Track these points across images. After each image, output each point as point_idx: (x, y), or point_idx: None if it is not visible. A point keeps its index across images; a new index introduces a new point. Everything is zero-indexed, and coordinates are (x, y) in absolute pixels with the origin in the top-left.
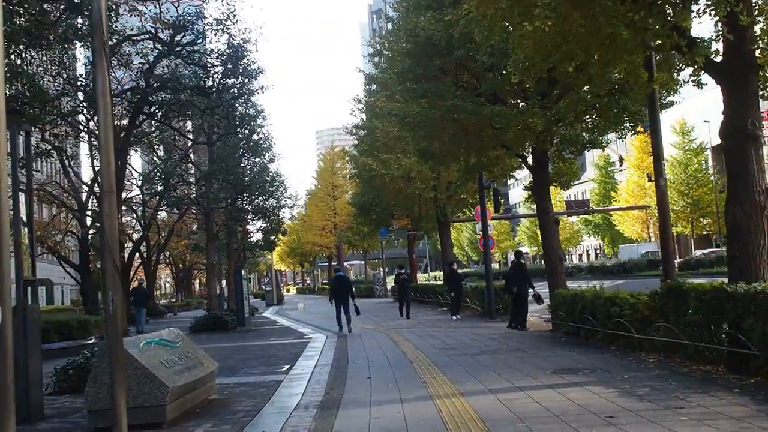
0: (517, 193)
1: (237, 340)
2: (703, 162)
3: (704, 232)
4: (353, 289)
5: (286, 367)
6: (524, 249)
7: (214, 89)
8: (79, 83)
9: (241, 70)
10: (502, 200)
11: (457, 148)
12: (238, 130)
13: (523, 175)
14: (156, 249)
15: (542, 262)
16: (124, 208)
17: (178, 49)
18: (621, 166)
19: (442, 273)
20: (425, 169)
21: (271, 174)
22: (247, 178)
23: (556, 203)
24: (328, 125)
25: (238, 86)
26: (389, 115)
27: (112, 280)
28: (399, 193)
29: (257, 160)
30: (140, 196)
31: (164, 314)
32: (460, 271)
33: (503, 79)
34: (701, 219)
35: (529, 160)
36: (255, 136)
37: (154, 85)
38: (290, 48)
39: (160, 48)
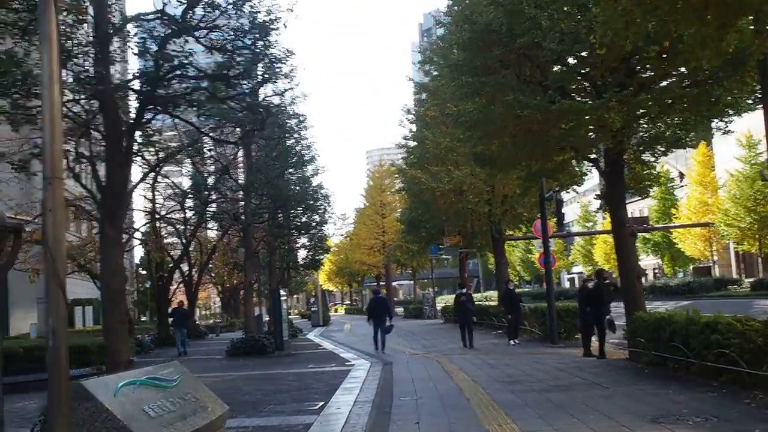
0: (572, 210)
1: (272, 366)
2: None
3: None
4: (390, 310)
5: (320, 404)
6: (579, 269)
7: (234, 75)
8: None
9: (263, 50)
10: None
11: (519, 151)
12: (276, 130)
13: (585, 188)
14: (198, 268)
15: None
16: (164, 225)
17: (191, 27)
18: (682, 181)
19: (496, 293)
20: (478, 181)
21: (313, 187)
22: (287, 192)
23: (609, 222)
24: (378, 145)
25: (262, 71)
26: (440, 123)
27: (55, 301)
28: (450, 207)
29: (298, 172)
30: (181, 212)
31: (205, 335)
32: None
33: (576, 67)
34: None
35: (602, 165)
36: (297, 147)
37: (165, 69)
38: (342, 70)
39: (171, 27)
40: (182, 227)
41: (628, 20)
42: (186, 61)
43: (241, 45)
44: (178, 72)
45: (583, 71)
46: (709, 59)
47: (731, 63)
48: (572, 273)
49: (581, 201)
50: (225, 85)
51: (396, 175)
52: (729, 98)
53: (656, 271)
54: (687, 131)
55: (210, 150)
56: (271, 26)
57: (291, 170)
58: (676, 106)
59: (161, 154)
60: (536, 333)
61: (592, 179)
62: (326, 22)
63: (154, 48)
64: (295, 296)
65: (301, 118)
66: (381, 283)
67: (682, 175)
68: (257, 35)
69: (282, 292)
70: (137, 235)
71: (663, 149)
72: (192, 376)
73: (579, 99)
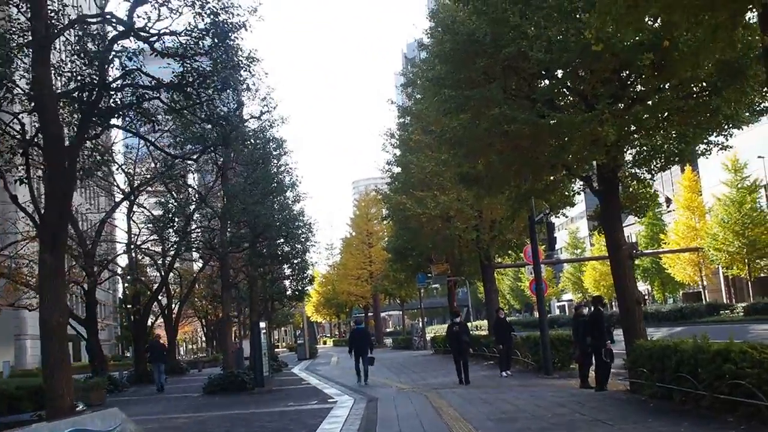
0: (561, 237)
1: (249, 405)
2: (759, 200)
3: (761, 275)
4: (371, 341)
5: None
6: (568, 297)
7: (189, 82)
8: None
9: (224, 54)
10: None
11: (507, 170)
12: (245, 149)
13: (573, 214)
14: (178, 300)
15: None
16: (141, 256)
17: (139, 29)
18: (668, 207)
19: (486, 322)
20: (465, 206)
21: (293, 214)
22: (266, 219)
23: (600, 247)
24: (365, 175)
25: (222, 76)
26: (425, 147)
27: None
28: (437, 234)
29: (278, 199)
30: (158, 243)
31: (187, 371)
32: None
33: (566, 78)
34: (758, 261)
35: (594, 184)
36: (275, 171)
37: (112, 77)
38: (328, 102)
39: (116, 28)
40: (160, 259)
41: (630, 4)
42: (132, 66)
43: (198, 50)
44: (125, 80)
45: (572, 84)
46: (715, 53)
47: (730, 72)
48: (562, 300)
49: (569, 227)
50: (183, 95)
51: (380, 199)
52: (728, 110)
53: (646, 297)
54: (687, 144)
55: (186, 176)
56: (231, 29)
57: (271, 197)
58: (673, 118)
59: (136, 181)
60: (529, 363)
61: (580, 204)
62: (310, 56)
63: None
64: (282, 328)
65: (281, 142)
66: (369, 313)
67: (668, 201)
68: (216, 39)
69: (262, 325)
70: (115, 267)
71: (661, 164)
72: (132, 425)
73: (569, 113)
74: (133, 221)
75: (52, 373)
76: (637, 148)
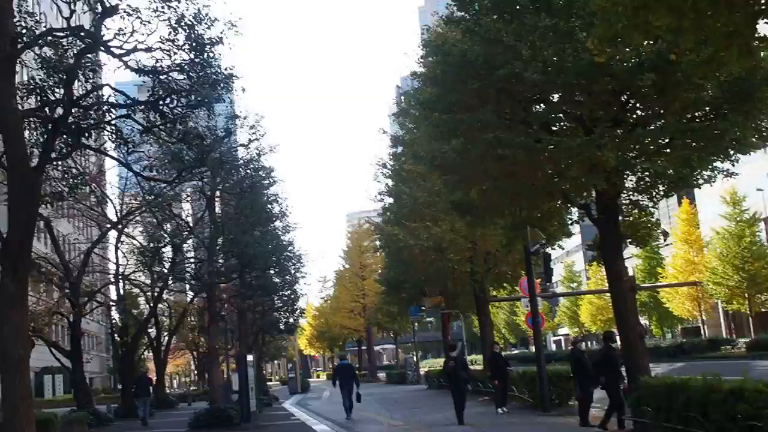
0: (557, 270)
1: None
2: (758, 234)
3: (762, 309)
4: (357, 376)
5: None
6: (565, 331)
7: (163, 98)
8: None
9: (201, 71)
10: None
11: (502, 198)
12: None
13: (570, 245)
14: (168, 333)
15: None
16: (129, 287)
17: (107, 41)
18: (665, 240)
19: (481, 356)
20: (459, 237)
21: (282, 244)
22: (253, 249)
23: (597, 281)
24: (359, 208)
25: (199, 93)
26: (417, 177)
27: None
28: (430, 266)
29: (267, 229)
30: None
31: (175, 405)
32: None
33: (562, 101)
34: (759, 296)
35: (593, 212)
36: (262, 200)
37: (77, 95)
38: (320, 138)
39: (84, 41)
40: (148, 290)
41: (638, 5)
42: (99, 81)
43: (173, 65)
44: (94, 98)
45: (569, 107)
46: (729, 64)
47: (737, 94)
48: (558, 335)
49: (565, 261)
50: (158, 113)
51: (373, 230)
52: (735, 134)
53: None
54: (691, 169)
55: (172, 205)
56: (208, 43)
57: (260, 226)
58: (677, 142)
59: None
60: (526, 399)
61: (576, 237)
62: (304, 90)
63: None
64: (275, 361)
65: (270, 171)
66: (363, 347)
67: (665, 234)
68: (192, 53)
69: (250, 358)
70: (102, 298)
71: (664, 190)
72: None
73: (567, 137)
74: (121, 251)
75: (14, 409)
76: (639, 173)
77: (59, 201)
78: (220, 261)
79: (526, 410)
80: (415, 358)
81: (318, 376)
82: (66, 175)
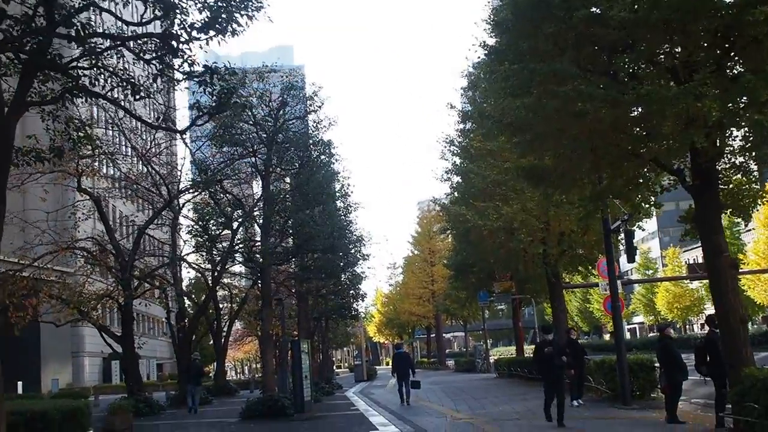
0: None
1: None
2: None
3: None
4: (413, 364)
5: None
6: (639, 319)
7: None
8: None
9: None
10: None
11: (580, 162)
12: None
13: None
14: (228, 318)
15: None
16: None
17: None
18: (746, 226)
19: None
20: (531, 217)
21: (341, 223)
22: (308, 228)
23: (674, 268)
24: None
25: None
26: (486, 155)
27: None
28: (499, 248)
29: (329, 206)
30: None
31: (235, 392)
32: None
33: (654, 45)
34: None
35: (688, 178)
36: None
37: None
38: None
39: None
40: (205, 272)
41: None
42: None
43: None
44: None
45: (661, 54)
46: None
47: None
48: (633, 323)
49: (641, 247)
50: (162, 42)
51: (439, 211)
52: None
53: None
54: None
55: (222, 182)
56: None
57: (317, 206)
58: None
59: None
60: (603, 391)
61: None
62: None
63: None
64: (345, 348)
65: (327, 144)
66: (431, 335)
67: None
68: None
69: (304, 345)
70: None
71: None
72: None
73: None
74: (178, 234)
75: None
76: (745, 129)
77: (59, 157)
78: (274, 242)
79: (603, 403)
80: (485, 346)
81: (388, 364)
82: (67, 127)
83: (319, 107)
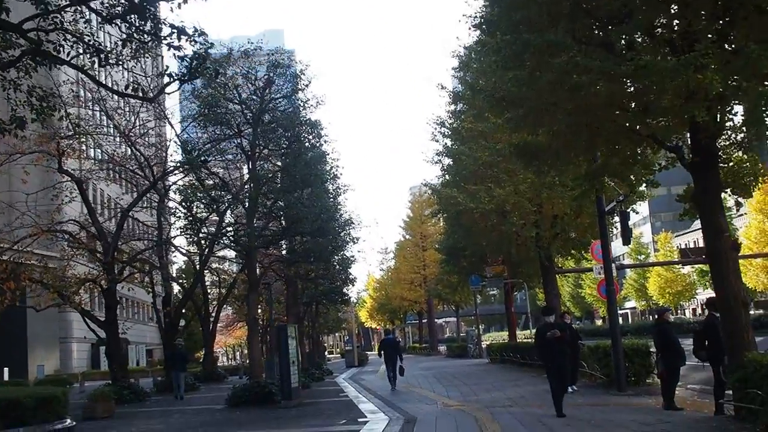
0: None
1: (269, 423)
2: None
3: None
4: (401, 350)
5: None
6: (631, 304)
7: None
8: None
9: None
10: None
11: (575, 139)
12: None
13: (637, 218)
14: (217, 304)
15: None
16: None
17: None
18: (738, 210)
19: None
20: (523, 200)
21: (329, 205)
22: (294, 210)
23: (665, 253)
24: (421, 180)
25: None
26: (478, 136)
27: None
28: (491, 231)
29: (318, 189)
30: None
31: (224, 378)
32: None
33: (653, 11)
34: None
35: (687, 155)
36: (307, 156)
37: None
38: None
39: None
40: (191, 255)
41: None
42: None
43: None
44: None
45: (658, 26)
46: None
47: None
48: (624, 308)
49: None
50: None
51: (430, 193)
52: None
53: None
54: None
55: (207, 162)
56: None
57: (305, 188)
58: None
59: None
60: (597, 377)
61: (643, 207)
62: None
63: None
64: (336, 334)
65: (315, 125)
66: (423, 320)
67: (738, 204)
68: None
69: (291, 331)
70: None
71: None
72: None
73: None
74: (165, 218)
75: None
76: (747, 103)
77: (20, 128)
78: (260, 224)
79: (598, 389)
80: (477, 331)
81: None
82: (29, 96)
83: (307, 86)
